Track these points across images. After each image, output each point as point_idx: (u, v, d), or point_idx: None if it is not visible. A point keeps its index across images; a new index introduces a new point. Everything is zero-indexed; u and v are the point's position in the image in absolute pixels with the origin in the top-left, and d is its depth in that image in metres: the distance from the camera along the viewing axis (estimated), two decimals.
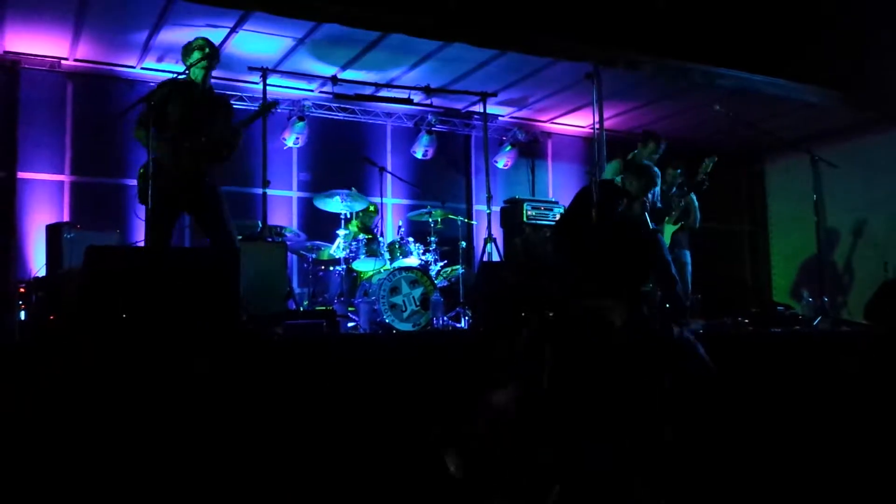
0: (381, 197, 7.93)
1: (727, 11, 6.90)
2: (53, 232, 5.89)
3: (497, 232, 8.27)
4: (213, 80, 5.42)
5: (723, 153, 7.29)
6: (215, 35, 6.48)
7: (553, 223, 8.56)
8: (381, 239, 7.12)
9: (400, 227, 7.51)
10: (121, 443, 3.16)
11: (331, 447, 3.65)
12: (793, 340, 5.59)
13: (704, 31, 6.86)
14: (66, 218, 7.18)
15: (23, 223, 7.06)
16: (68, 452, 3.08)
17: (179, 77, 5.21)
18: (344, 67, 7.65)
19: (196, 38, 5.21)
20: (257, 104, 6.54)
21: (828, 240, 9.47)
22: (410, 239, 7.15)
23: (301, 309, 6.64)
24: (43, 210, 7.13)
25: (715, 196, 7.51)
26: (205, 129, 5.00)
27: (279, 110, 7.78)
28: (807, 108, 8.46)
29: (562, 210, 8.74)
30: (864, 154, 9.27)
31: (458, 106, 8.97)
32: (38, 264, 6.52)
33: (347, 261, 6.89)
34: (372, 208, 7.49)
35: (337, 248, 7.03)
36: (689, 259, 7.49)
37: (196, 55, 5.06)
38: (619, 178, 6.10)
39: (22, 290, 5.42)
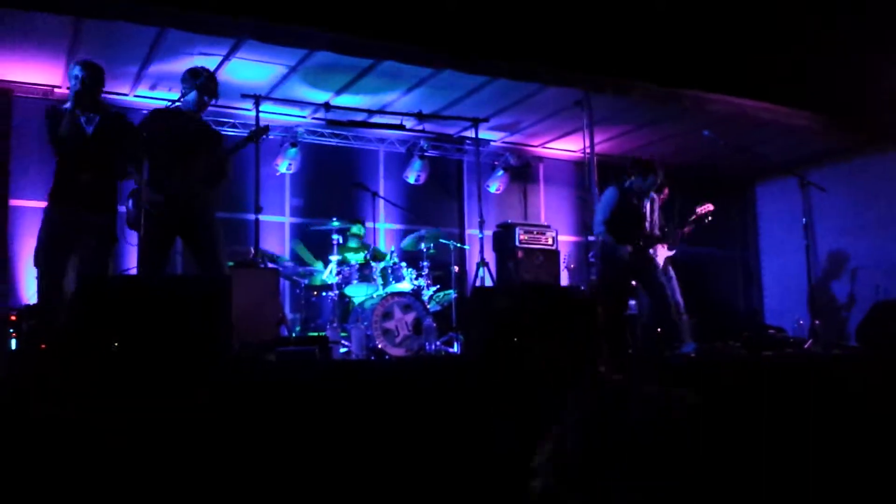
0: (374, 222, 7.95)
1: (716, 37, 6.98)
2: None
3: (490, 256, 8.29)
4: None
5: (713, 177, 7.34)
6: (209, 62, 6.51)
7: (545, 248, 8.62)
8: (373, 264, 7.13)
9: (392, 252, 7.53)
10: (112, 474, 3.15)
11: (324, 474, 3.64)
12: (784, 364, 5.60)
13: (693, 57, 6.93)
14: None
15: (14, 251, 7.05)
16: (63, 484, 3.06)
17: (171, 105, 5.23)
18: (337, 93, 7.70)
19: (203, 73, 5.16)
20: (250, 130, 6.56)
21: (818, 262, 9.53)
22: (403, 264, 7.17)
23: (293, 335, 6.63)
24: (35, 238, 7.11)
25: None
26: (195, 158, 5.01)
27: (271, 136, 7.82)
28: (797, 131, 8.54)
29: (554, 234, 8.78)
30: (854, 177, 9.36)
31: (451, 131, 9.03)
32: (29, 292, 6.50)
33: (340, 286, 6.89)
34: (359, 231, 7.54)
35: (329, 274, 7.04)
36: (672, 273, 7.51)
37: (193, 94, 5.08)
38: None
39: (13, 318, 5.41)
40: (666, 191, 7.41)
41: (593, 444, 1.74)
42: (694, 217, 7.10)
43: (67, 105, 4.85)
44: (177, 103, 5.17)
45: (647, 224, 6.32)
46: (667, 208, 7.45)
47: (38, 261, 4.78)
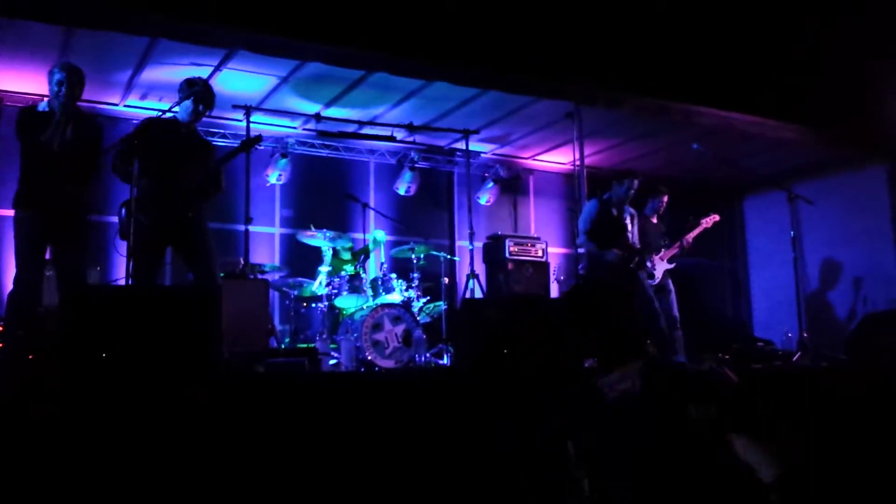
0: (364, 233, 7.94)
1: (705, 50, 7.02)
2: None
3: (480, 268, 8.29)
4: None
5: (702, 190, 7.37)
6: (200, 73, 6.50)
7: (535, 259, 8.64)
8: (363, 275, 7.11)
9: (382, 263, 7.51)
10: (100, 485, 3.12)
11: (313, 486, 3.61)
12: (772, 376, 5.60)
13: (683, 70, 6.98)
14: (46, 255, 7.11)
15: (1, 260, 6.99)
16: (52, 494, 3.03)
17: (164, 114, 5.21)
18: (327, 105, 7.70)
19: (199, 82, 5.13)
20: (241, 140, 6.54)
21: (807, 274, 9.57)
22: (393, 275, 7.16)
23: (282, 346, 6.60)
24: None
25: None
26: (187, 168, 4.99)
27: (262, 147, 7.80)
28: (784, 144, 8.60)
29: (544, 246, 8.79)
30: (842, 189, 9.41)
31: (441, 143, 9.05)
32: None
33: (329, 297, 6.87)
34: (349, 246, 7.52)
35: (319, 285, 7.01)
36: (672, 288, 7.54)
37: (187, 103, 5.05)
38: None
39: (0, 328, 5.35)
40: (665, 198, 7.43)
41: (594, 444, 1.74)
42: (699, 229, 7.14)
43: (43, 107, 4.79)
44: (170, 113, 5.14)
45: (630, 235, 6.36)
46: (666, 219, 7.47)
47: (18, 274, 4.72)
